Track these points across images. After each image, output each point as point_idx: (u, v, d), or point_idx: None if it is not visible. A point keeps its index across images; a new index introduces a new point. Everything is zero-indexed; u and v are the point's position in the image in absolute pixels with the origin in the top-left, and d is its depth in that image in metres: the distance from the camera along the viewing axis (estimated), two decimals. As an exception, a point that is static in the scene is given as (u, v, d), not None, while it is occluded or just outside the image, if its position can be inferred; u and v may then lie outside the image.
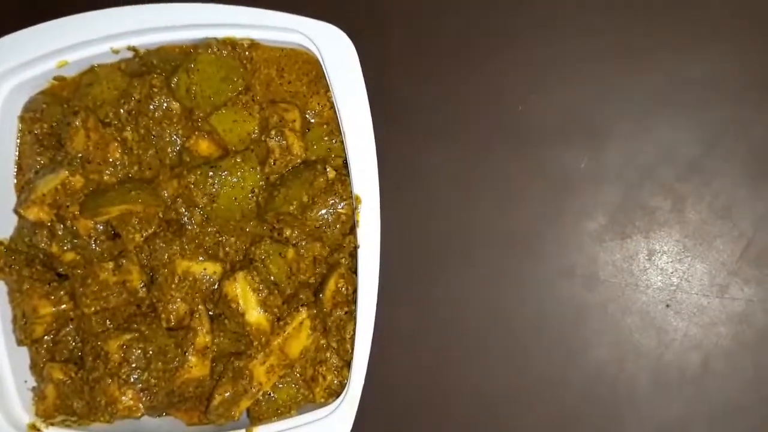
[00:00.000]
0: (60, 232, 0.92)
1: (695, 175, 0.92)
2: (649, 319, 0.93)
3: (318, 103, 0.93)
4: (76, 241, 0.92)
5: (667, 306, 0.92)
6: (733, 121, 0.92)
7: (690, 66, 0.93)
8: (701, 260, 0.92)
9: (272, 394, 0.90)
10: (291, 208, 0.87)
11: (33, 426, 0.93)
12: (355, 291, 0.87)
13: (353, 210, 0.87)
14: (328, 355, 0.90)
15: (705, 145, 0.92)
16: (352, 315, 0.88)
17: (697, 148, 0.92)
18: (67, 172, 0.91)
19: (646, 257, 0.93)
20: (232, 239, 0.91)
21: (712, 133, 0.92)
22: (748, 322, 0.91)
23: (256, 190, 0.89)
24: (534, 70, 0.95)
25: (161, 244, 0.90)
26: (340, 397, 0.87)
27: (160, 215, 0.91)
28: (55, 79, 0.95)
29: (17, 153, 0.96)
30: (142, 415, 0.91)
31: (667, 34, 0.93)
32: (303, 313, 0.88)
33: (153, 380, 0.89)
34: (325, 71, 0.87)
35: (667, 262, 0.93)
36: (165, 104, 0.91)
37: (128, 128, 0.92)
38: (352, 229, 0.88)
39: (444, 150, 0.96)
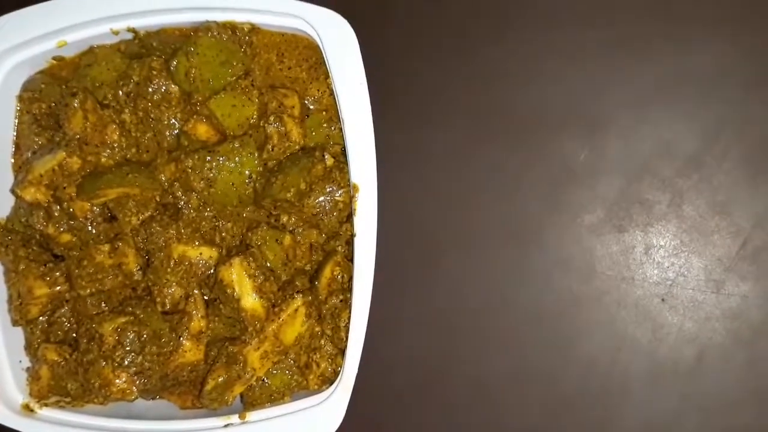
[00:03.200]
0: (56, 214, 0.92)
1: (694, 170, 0.92)
2: (644, 313, 0.93)
3: (318, 90, 0.92)
4: (72, 222, 0.92)
5: (663, 300, 0.93)
6: (732, 117, 0.92)
7: (691, 60, 0.93)
8: (698, 255, 0.92)
9: (266, 380, 0.90)
10: (288, 195, 0.87)
11: (27, 406, 0.93)
12: (350, 279, 0.87)
13: (351, 198, 0.86)
14: (322, 342, 0.90)
15: (704, 141, 0.92)
16: (347, 303, 0.88)
17: (696, 143, 0.92)
18: (64, 153, 0.90)
19: (643, 251, 0.93)
20: (229, 224, 0.91)
21: (711, 128, 0.92)
22: (743, 318, 0.92)
23: (254, 176, 0.89)
24: (534, 59, 0.95)
25: (157, 228, 0.90)
26: (334, 385, 0.87)
27: (157, 199, 0.91)
28: (54, 59, 0.95)
29: (15, 133, 0.96)
30: (136, 398, 0.91)
31: (669, 26, 0.93)
32: (298, 300, 0.88)
33: (147, 364, 0.89)
34: (325, 58, 0.87)
35: (664, 257, 0.93)
36: (164, 87, 0.90)
37: (126, 110, 0.92)
38: (349, 217, 0.88)
39: (443, 138, 0.95)
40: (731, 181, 0.91)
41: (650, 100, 0.93)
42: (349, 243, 0.88)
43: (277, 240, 0.89)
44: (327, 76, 0.89)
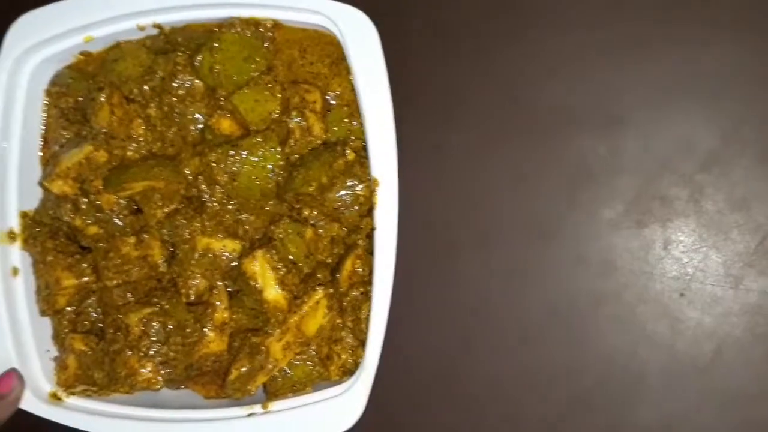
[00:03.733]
0: (83, 206, 0.93)
1: (713, 165, 0.92)
2: (663, 308, 0.93)
3: (339, 85, 0.93)
4: (99, 215, 0.93)
5: (682, 295, 0.93)
6: (751, 112, 0.91)
7: (709, 55, 0.92)
8: (717, 251, 0.92)
9: (288, 371, 0.91)
10: (310, 189, 0.88)
11: (54, 395, 0.94)
12: (371, 272, 0.88)
13: (371, 192, 0.87)
14: (343, 334, 0.91)
15: (723, 136, 0.92)
16: (367, 295, 0.89)
17: (715, 138, 0.92)
18: (91, 146, 0.92)
19: (662, 246, 0.93)
20: (252, 217, 0.92)
21: (730, 123, 0.92)
22: (762, 313, 0.91)
23: (276, 170, 0.90)
24: (554, 56, 0.95)
25: (182, 221, 0.91)
26: (355, 376, 0.88)
27: (182, 192, 0.92)
28: (81, 54, 0.96)
29: (43, 126, 0.98)
30: (161, 387, 0.93)
31: (686, 22, 0.93)
32: (320, 292, 0.89)
33: (172, 354, 0.91)
34: (347, 54, 0.88)
35: (683, 252, 0.93)
36: (188, 82, 0.92)
37: (152, 105, 0.93)
38: (370, 211, 0.89)
39: (463, 134, 0.96)
40: (750, 177, 0.91)
41: (668, 97, 0.93)
42: (370, 237, 0.89)
43: (299, 233, 0.90)
44: (349, 71, 0.89)
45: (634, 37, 0.93)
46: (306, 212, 0.90)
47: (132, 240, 0.93)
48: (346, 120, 0.93)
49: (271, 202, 0.92)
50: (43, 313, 0.96)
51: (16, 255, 0.95)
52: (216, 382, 0.94)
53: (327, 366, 0.91)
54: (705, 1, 0.93)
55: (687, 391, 0.92)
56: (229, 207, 0.92)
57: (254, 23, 0.91)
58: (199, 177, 0.91)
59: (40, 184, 0.95)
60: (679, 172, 0.93)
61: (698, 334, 0.92)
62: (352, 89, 0.90)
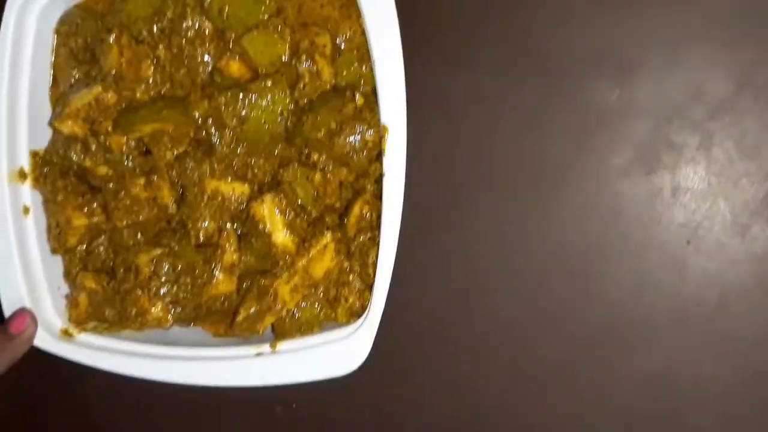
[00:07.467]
0: (93, 147, 0.93)
1: (725, 113, 0.91)
2: (669, 255, 0.93)
3: (349, 29, 0.92)
4: (109, 155, 0.93)
5: (688, 243, 0.93)
6: (766, 60, 0.90)
7: (725, 1, 0.91)
8: (725, 199, 0.92)
9: (296, 313, 0.92)
10: (319, 134, 0.88)
11: (65, 331, 0.96)
12: (379, 217, 0.88)
13: (380, 138, 0.87)
14: (350, 278, 0.91)
15: (736, 84, 0.91)
16: (375, 240, 0.89)
17: (728, 86, 0.91)
18: (100, 87, 0.92)
19: (670, 193, 0.93)
20: (261, 161, 0.92)
21: (744, 71, 0.90)
22: (768, 261, 0.92)
23: (285, 114, 0.90)
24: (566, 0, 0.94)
25: (191, 163, 0.91)
26: (361, 319, 0.89)
27: (191, 134, 0.92)
28: (90, -8, 0.96)
29: (52, 66, 0.97)
30: (171, 325, 0.94)
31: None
32: (328, 236, 0.90)
33: (181, 294, 0.92)
34: (357, -4, 0.87)
35: (691, 199, 0.93)
36: (197, 24, 0.91)
37: (161, 47, 0.92)
38: (379, 156, 0.89)
39: (473, 79, 0.95)
40: (761, 126, 0.90)
41: (682, 42, 0.91)
42: (378, 182, 0.89)
43: (307, 177, 0.90)
44: (359, 14, 0.88)
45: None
46: (315, 157, 0.90)
47: (141, 181, 0.93)
48: (356, 64, 0.92)
49: (280, 146, 0.92)
50: (54, 251, 0.97)
51: (27, 194, 0.96)
52: (225, 322, 0.96)
53: (334, 308, 0.92)
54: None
55: (690, 336, 0.93)
56: (239, 150, 0.92)
57: (264, -36, 0.90)
58: (209, 119, 0.91)
59: (50, 124, 0.96)
60: (690, 118, 0.92)
61: (703, 282, 0.93)
62: (363, 33, 0.89)
